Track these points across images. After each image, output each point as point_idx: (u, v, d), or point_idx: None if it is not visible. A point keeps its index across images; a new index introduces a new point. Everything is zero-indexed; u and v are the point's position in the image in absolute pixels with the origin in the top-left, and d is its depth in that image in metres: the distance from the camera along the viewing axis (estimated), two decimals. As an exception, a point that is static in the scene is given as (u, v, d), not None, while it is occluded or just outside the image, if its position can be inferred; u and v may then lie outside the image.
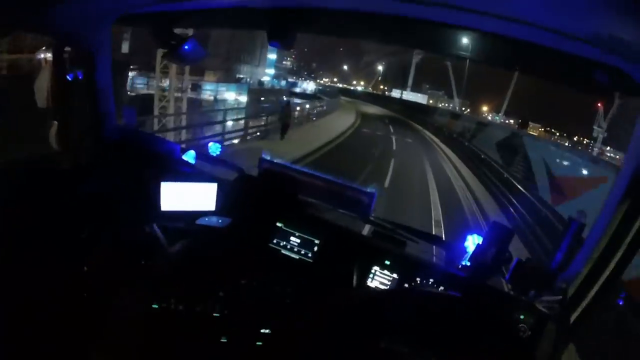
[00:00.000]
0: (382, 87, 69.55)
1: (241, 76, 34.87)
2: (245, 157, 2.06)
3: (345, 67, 73.03)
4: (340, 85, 66.97)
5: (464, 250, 1.46)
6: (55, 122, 1.83)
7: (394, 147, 16.96)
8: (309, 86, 44.71)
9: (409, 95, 59.42)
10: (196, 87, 25.11)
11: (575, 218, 1.31)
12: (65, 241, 1.43)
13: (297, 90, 37.18)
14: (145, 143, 2.02)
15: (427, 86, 66.71)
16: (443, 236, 6.30)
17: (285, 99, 21.22)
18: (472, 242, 1.44)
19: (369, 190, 1.68)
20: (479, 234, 1.44)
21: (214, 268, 1.44)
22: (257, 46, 36.49)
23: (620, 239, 1.08)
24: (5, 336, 1.24)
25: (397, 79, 62.42)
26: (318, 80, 67.05)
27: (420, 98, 59.75)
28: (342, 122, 19.57)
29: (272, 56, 41.53)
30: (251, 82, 35.16)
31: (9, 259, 1.33)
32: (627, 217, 1.06)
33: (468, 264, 1.42)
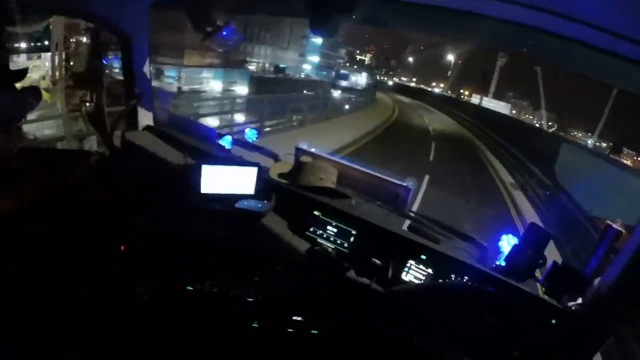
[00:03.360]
0: (463, 91, 66.05)
1: (252, 60, 27.81)
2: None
3: (420, 66, 70.54)
4: (413, 85, 64.49)
5: (498, 250, 1.46)
6: (91, 104, 1.97)
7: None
8: (361, 80, 37.66)
9: (489, 103, 54.65)
10: (159, 74, 18.15)
11: (612, 225, 1.27)
12: (106, 219, 1.48)
13: (344, 83, 30.86)
14: (182, 126, 2.07)
15: (511, 94, 61.46)
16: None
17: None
18: (507, 242, 1.44)
19: (405, 184, 1.67)
20: (513, 235, 1.43)
21: (251, 252, 1.45)
22: (285, 24, 29.15)
23: None
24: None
25: (479, 83, 58.69)
26: (395, 79, 65.35)
27: (502, 107, 53.65)
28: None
29: (317, 40, 34.37)
30: (269, 67, 29.05)
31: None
32: None
33: (503, 264, 1.41)
